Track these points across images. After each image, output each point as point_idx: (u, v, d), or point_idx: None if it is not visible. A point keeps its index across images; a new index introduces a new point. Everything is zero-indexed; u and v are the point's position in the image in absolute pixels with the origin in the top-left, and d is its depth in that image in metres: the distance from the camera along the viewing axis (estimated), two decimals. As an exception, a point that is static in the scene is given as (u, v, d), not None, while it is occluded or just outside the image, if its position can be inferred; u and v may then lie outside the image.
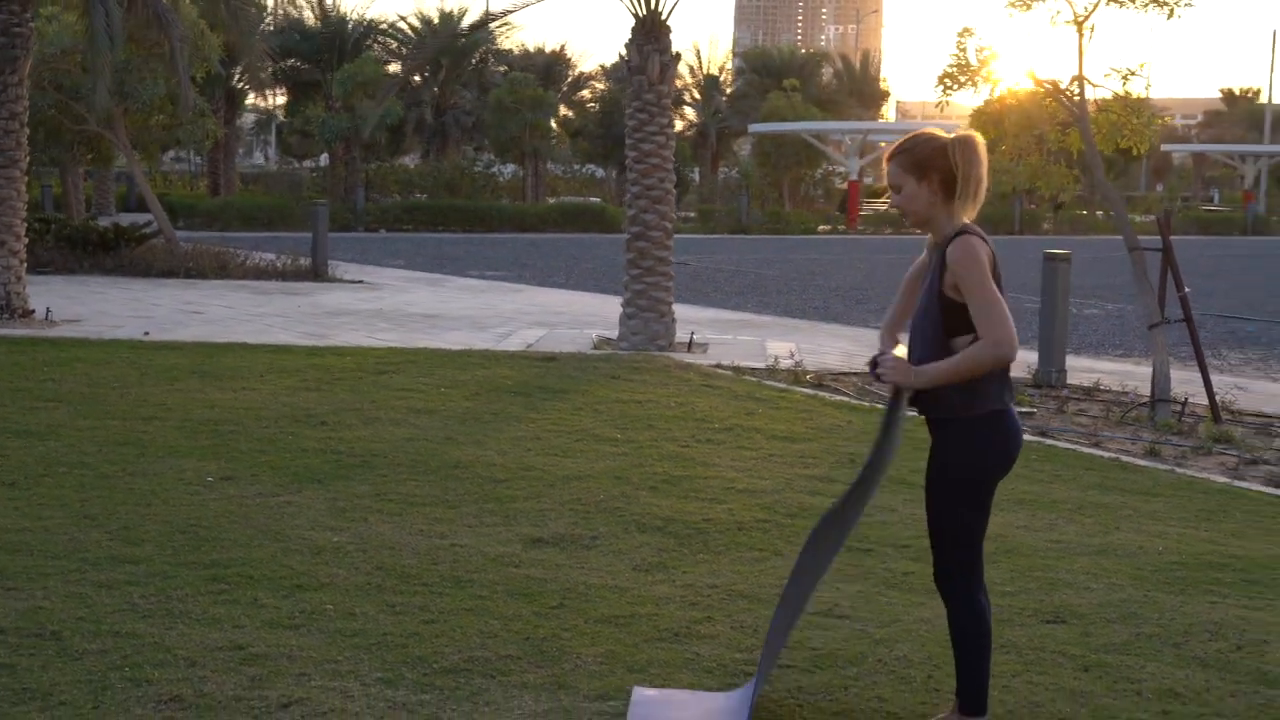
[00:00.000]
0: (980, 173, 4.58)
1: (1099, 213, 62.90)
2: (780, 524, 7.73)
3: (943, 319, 4.50)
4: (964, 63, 12.22)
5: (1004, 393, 4.59)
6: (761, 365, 14.35)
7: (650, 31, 15.45)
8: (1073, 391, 13.32)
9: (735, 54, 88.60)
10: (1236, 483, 9.51)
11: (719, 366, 14.08)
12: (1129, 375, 14.58)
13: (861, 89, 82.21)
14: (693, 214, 53.74)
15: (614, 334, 16.06)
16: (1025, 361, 14.32)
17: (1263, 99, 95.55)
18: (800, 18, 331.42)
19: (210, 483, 8.20)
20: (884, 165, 4.81)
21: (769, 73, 73.85)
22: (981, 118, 12.52)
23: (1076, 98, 12.21)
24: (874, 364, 4.67)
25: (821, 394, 12.60)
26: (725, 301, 22.63)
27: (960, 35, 12.40)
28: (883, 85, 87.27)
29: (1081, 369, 14.77)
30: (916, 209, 4.63)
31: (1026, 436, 10.95)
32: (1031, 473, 9.41)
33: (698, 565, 6.87)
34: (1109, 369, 15.30)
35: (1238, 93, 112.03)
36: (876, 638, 5.82)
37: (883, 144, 65.93)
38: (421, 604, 6.04)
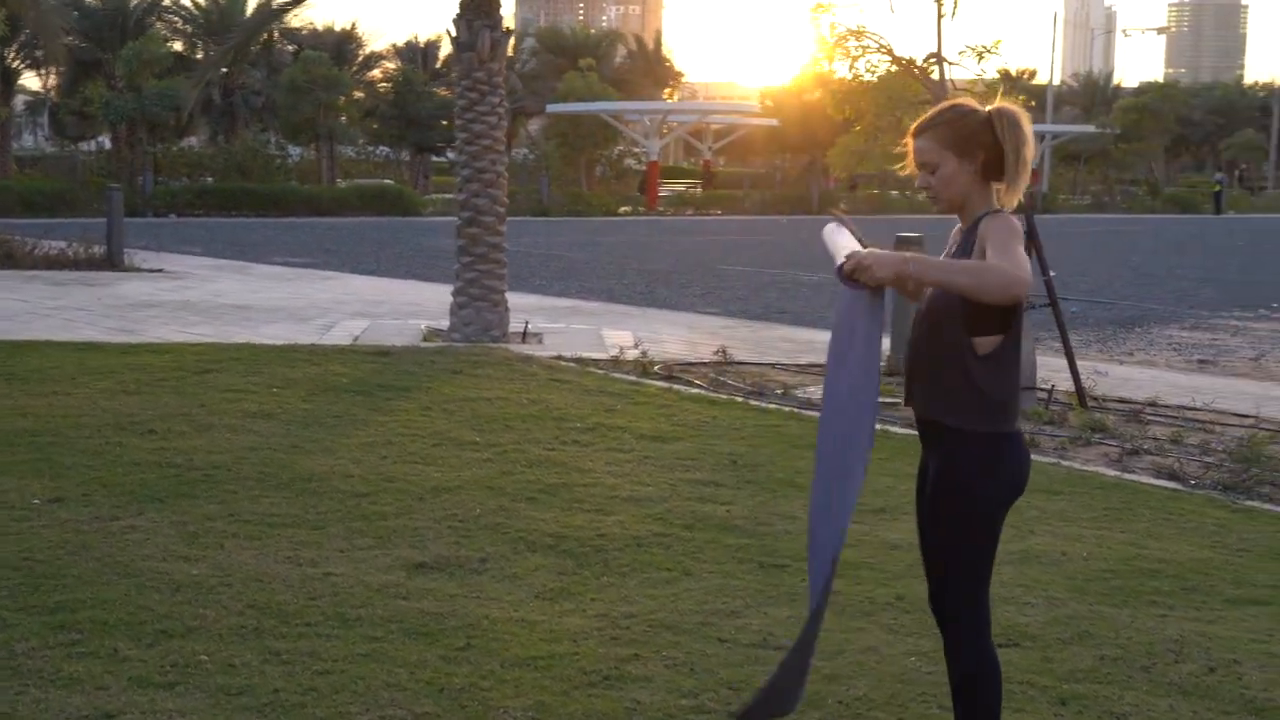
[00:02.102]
0: (1029, 152, 3.99)
1: (893, 191, 63.49)
2: (680, 538, 7.11)
3: (964, 313, 3.86)
4: (823, 40, 11.72)
5: (1018, 413, 4.03)
6: (604, 356, 13.72)
7: (480, 5, 14.67)
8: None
9: (527, 34, 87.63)
10: (1126, 475, 9.16)
11: (560, 358, 13.40)
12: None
13: (655, 69, 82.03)
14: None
15: (443, 324, 15.26)
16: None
17: (1040, 79, 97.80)
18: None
19: (38, 506, 7.29)
20: (909, 140, 4.12)
21: (563, 52, 73.23)
22: (838, 96, 12.01)
23: (935, 77, 11.79)
24: (849, 256, 3.79)
25: (675, 387, 12.01)
26: (546, 287, 21.94)
27: (815, 10, 11.90)
28: (672, 65, 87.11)
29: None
30: (954, 193, 4.02)
31: (905, 430, 10.53)
32: (909, 467, 8.93)
33: (605, 590, 6.21)
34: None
35: (1014, 74, 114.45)
36: (826, 673, 5.22)
37: (676, 124, 65.89)
38: (309, 650, 5.28)
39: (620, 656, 5.34)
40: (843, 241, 4.11)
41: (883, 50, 11.83)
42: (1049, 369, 12.46)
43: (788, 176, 66.54)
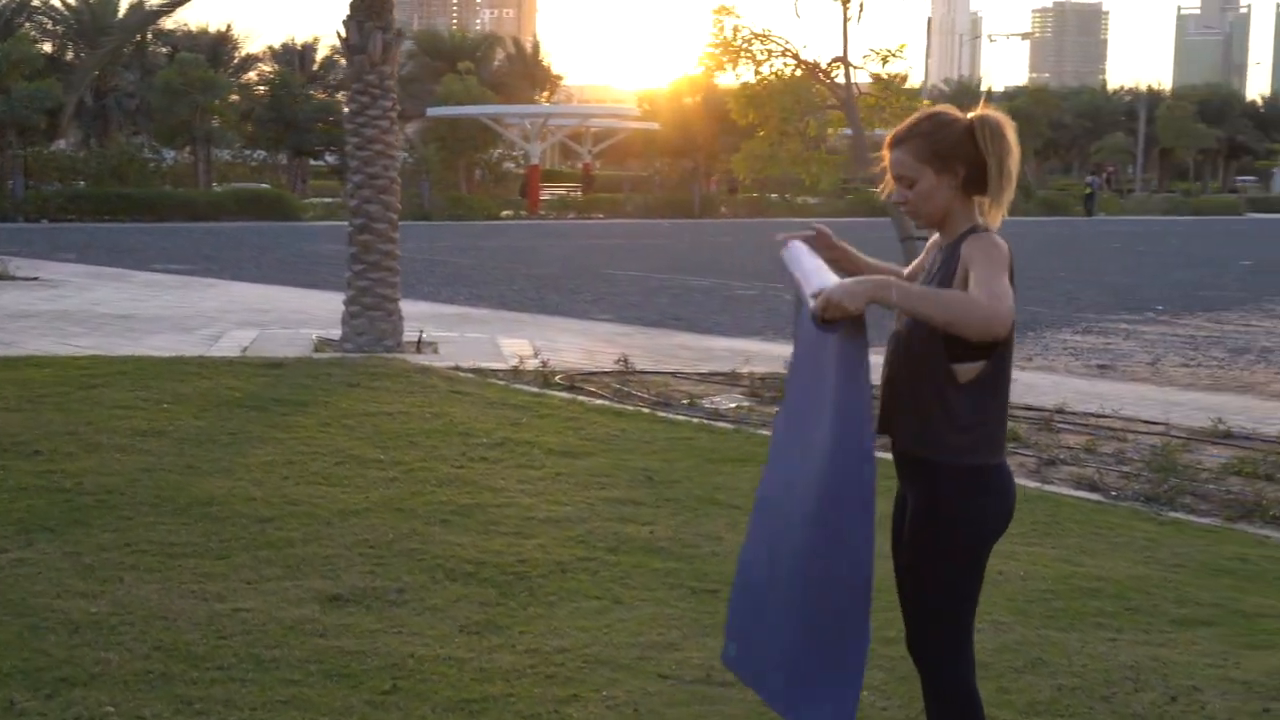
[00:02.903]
0: (1014, 164, 3.73)
1: (772, 195, 63.59)
2: (605, 562, 6.81)
3: (945, 337, 3.57)
4: (727, 41, 11.47)
5: (1004, 444, 3.77)
6: (503, 366, 13.39)
7: (371, 7, 14.27)
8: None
9: (404, 36, 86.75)
10: (1046, 487, 9.01)
11: (458, 369, 13.04)
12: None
13: (532, 72, 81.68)
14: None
15: (335, 334, 14.83)
16: (782, 356, 13.74)
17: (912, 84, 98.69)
18: (455, 2, 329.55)
19: (-82, 538, 6.83)
20: (885, 152, 3.83)
21: (440, 55, 72.68)
22: (742, 100, 11.76)
23: (840, 80, 11.61)
24: (815, 295, 3.54)
25: (580, 398, 11.71)
26: (435, 294, 21.53)
27: (717, 13, 11.65)
28: (550, 68, 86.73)
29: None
30: (933, 208, 3.76)
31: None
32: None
33: (533, 622, 5.89)
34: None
35: (886, 78, 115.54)
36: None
37: (557, 128, 65.54)
38: (224, 697, 4.91)
39: (558, 698, 5.03)
40: (810, 268, 3.82)
41: (788, 54, 11.62)
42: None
43: (667, 180, 66.42)
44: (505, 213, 53.92)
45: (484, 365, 13.40)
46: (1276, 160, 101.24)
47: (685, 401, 11.78)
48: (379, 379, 12.10)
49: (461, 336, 15.74)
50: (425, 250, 31.92)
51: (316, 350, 14.19)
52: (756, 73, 11.60)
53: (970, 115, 3.77)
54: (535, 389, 12.06)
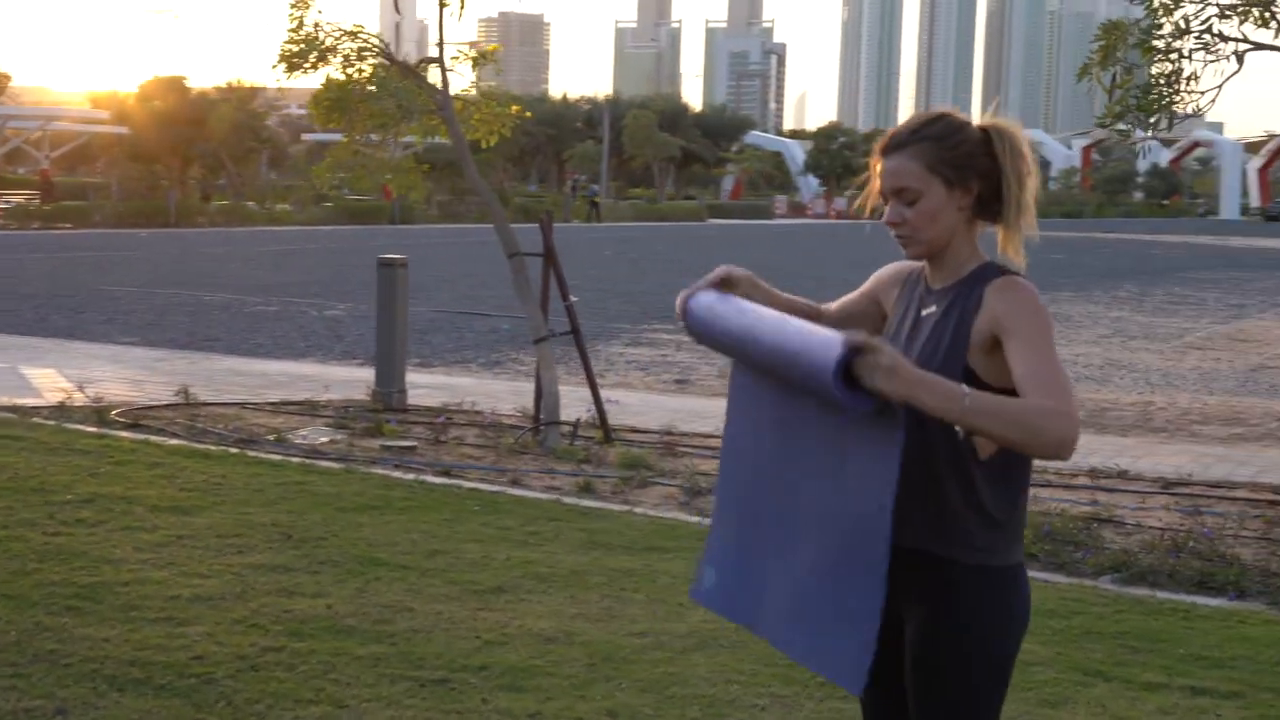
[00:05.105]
0: (1033, 184, 2.98)
1: (249, 202, 61.42)
2: (296, 651, 5.70)
3: None
4: (310, 38, 10.36)
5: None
6: (40, 402, 11.75)
7: None
8: (421, 414, 11.81)
9: None
10: (706, 520, 8.31)
11: (-10, 406, 11.36)
12: (451, 390, 13.31)
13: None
14: None
15: None
16: (365, 381, 12.69)
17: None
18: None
19: None
20: (876, 158, 2.99)
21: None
22: (325, 104, 10.65)
23: (439, 83, 10.70)
24: (856, 349, 2.66)
25: (151, 438, 10.32)
26: (-83, 317, 19.15)
27: (295, 6, 10.52)
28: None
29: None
30: (937, 234, 2.98)
31: (431, 479, 9.40)
32: (498, 532, 7.85)
33: (250, 743, 4.77)
34: (425, 382, 13.85)
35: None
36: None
37: (18, 130, 61.23)
38: None
39: None
40: (764, 316, 2.96)
41: (378, 52, 10.62)
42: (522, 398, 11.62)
43: (136, 187, 63.04)
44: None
45: (18, 402, 11.74)
46: (725, 169, 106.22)
47: (272, 438, 10.59)
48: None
49: (-26, 367, 13.87)
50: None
51: None
52: (344, 73, 10.51)
53: (980, 121, 3.02)
54: (94, 429, 10.57)
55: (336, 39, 10.38)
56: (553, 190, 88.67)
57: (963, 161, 2.95)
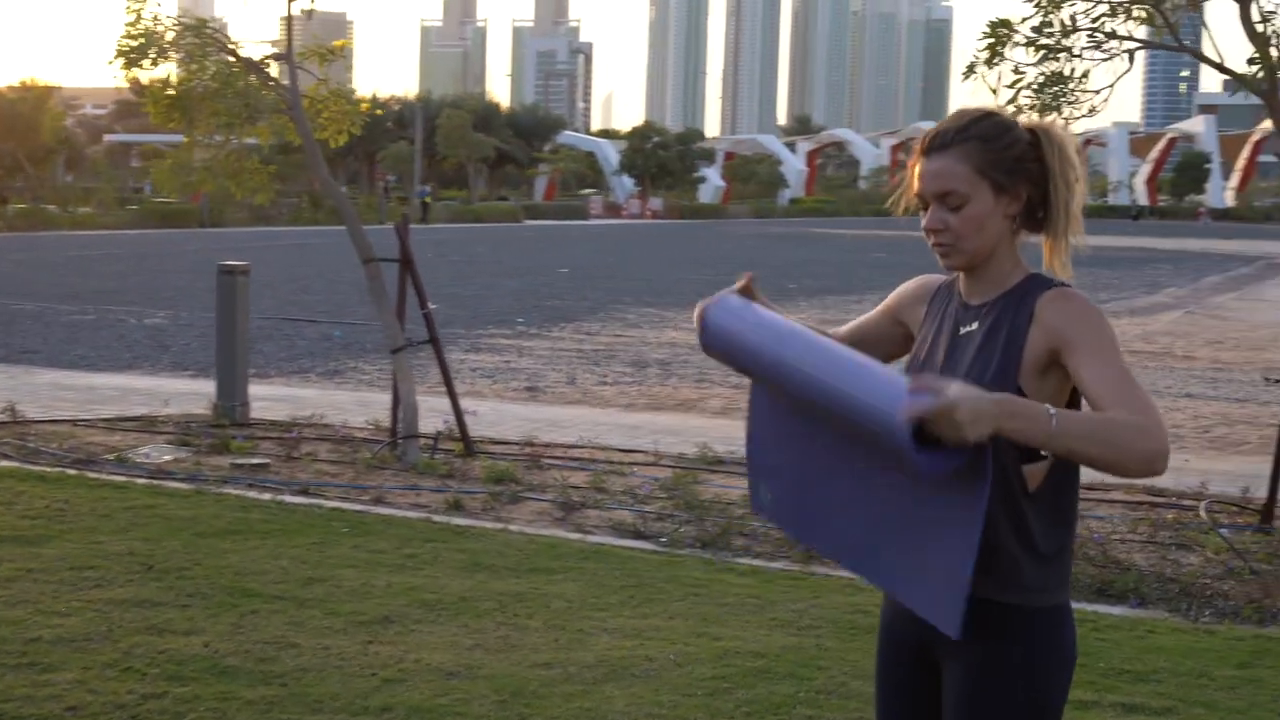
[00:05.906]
0: (1083, 190, 2.70)
1: (50, 206, 59.46)
2: (179, 698, 5.23)
3: None
4: (149, 31, 9.78)
5: None
6: None
7: None
8: (267, 428, 11.27)
9: None
10: (590, 538, 8.11)
11: None
12: (294, 401, 12.79)
13: None
14: None
15: None
16: (207, 394, 12.08)
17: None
18: None
19: None
20: (915, 157, 2.68)
21: None
22: (164, 102, 10.07)
23: (285, 80, 10.20)
24: (925, 391, 2.35)
25: (-20, 460, 9.67)
26: None
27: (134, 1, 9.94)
28: None
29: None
30: (982, 243, 2.70)
31: (289, 499, 8.92)
32: (372, 556, 7.42)
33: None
34: (266, 394, 13.25)
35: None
36: None
37: None
38: None
39: None
40: (813, 346, 2.61)
41: (224, 48, 10.08)
42: (381, 409, 11.16)
43: None
44: None
45: None
46: (539, 169, 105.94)
47: (111, 457, 9.99)
48: None
49: None
50: None
51: None
52: (188, 70, 9.94)
53: (1026, 122, 2.73)
54: (-86, 451, 9.88)
55: (178, 33, 9.81)
56: (364, 192, 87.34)
57: (1013, 165, 2.67)
